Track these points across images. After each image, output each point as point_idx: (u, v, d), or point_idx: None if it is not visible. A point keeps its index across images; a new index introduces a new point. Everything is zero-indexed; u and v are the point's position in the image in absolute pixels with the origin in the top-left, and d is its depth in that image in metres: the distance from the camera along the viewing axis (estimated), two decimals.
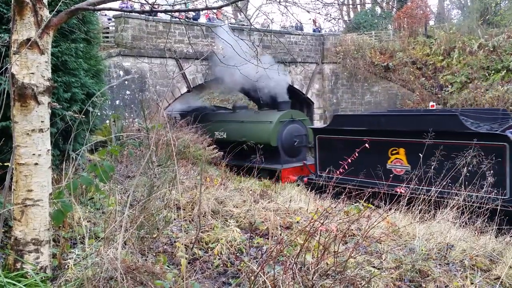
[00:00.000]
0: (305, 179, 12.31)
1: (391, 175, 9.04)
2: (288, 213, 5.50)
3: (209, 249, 3.93)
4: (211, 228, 4.39)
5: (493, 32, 21.52)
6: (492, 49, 20.49)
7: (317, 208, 5.71)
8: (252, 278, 3.03)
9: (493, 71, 19.96)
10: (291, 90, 21.40)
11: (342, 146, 10.58)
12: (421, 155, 7.18)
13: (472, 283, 3.92)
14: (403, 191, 4.34)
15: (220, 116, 18.03)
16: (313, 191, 8.92)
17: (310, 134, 15.40)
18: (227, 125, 16.50)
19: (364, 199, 5.03)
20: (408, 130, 9.48)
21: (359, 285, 3.41)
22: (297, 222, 5.10)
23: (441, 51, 22.16)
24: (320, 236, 4.35)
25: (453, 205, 6.02)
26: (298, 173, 13.91)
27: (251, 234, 4.46)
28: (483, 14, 23.34)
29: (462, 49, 21.49)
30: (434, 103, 18.25)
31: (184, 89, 18.01)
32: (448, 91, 20.69)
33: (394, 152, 9.96)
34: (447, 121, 9.23)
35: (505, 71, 19.51)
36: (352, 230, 4.96)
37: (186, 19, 17.28)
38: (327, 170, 9.50)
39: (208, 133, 15.61)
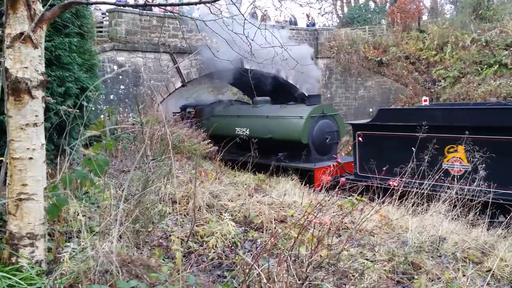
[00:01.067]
0: (342, 179, 11.43)
1: (447, 176, 8.23)
2: (283, 207, 5.54)
3: (204, 243, 3.95)
4: (206, 222, 4.41)
5: (486, 27, 21.62)
6: (484, 44, 20.59)
7: (311, 201, 5.76)
8: (247, 270, 3.06)
9: (485, 66, 20.07)
10: (285, 85, 21.42)
11: (388, 143, 9.81)
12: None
13: (464, 275, 3.97)
14: (396, 184, 4.38)
15: (241, 110, 16.92)
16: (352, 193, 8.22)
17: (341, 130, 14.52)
18: (250, 121, 15.45)
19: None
20: (471, 125, 8.60)
21: (352, 277, 3.45)
22: (291, 215, 5.14)
23: (434, 46, 22.24)
24: (314, 229, 4.38)
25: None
26: (331, 172, 13.09)
27: (246, 228, 4.49)
28: (476, 9, 23.43)
29: (455, 44, 21.58)
30: (427, 98, 18.32)
31: (179, 84, 17.97)
32: (441, 85, 20.79)
33: (451, 150, 9.15)
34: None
35: (497, 65, 19.62)
36: (346, 223, 5.00)
37: (180, 13, 17.21)
38: (371, 170, 8.81)
39: (228, 129, 15.05)
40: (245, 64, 17.75)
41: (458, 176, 8.21)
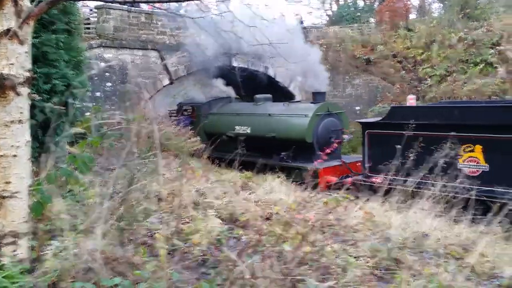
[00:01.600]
0: (349, 179, 11.14)
1: (463, 176, 8.05)
2: (269, 204, 5.58)
3: (189, 240, 3.97)
4: (191, 220, 4.43)
5: (473, 26, 21.87)
6: (471, 43, 20.83)
7: (296, 199, 5.82)
8: (231, 267, 3.09)
9: (471, 64, 20.31)
10: (273, 83, 21.47)
11: (400, 142, 9.49)
12: None
13: (446, 271, 4.05)
14: (379, 181, 4.45)
15: (241, 108, 16.44)
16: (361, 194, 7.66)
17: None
18: (251, 119, 15.03)
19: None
20: (490, 124, 8.42)
21: (335, 273, 3.51)
22: (277, 213, 5.18)
23: (421, 44, 22.45)
24: (298, 225, 4.43)
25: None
26: (337, 173, 12.50)
27: (231, 225, 4.53)
28: (463, 7, 23.68)
29: (442, 43, 21.80)
30: (414, 96, 18.42)
31: (166, 81, 17.93)
32: (427, 84, 21.01)
33: (468, 149, 8.82)
34: None
35: (483, 64, 19.88)
36: (331, 220, 5.05)
37: (168, 11, 17.16)
38: (382, 170, 8.54)
39: (227, 127, 14.87)
40: (233, 61, 17.76)
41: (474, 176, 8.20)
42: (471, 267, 4.23)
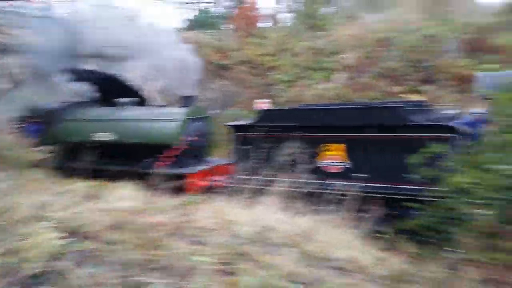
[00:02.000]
0: (220, 183, 11.24)
1: (325, 173, 8.99)
2: (119, 212, 5.40)
3: (23, 258, 3.63)
4: (28, 235, 4.06)
5: (318, 36, 24.11)
6: (316, 51, 22.92)
7: (150, 205, 5.76)
8: (71, 279, 2.94)
9: (316, 71, 22.37)
10: (128, 86, 20.77)
11: (269, 144, 9.82)
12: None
13: (288, 259, 4.40)
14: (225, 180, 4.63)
15: (103, 113, 15.04)
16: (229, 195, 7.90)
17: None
18: (115, 124, 13.94)
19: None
20: (347, 124, 9.20)
21: (184, 274, 3.56)
22: (128, 220, 5.04)
23: (272, 52, 23.98)
24: (148, 230, 4.40)
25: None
26: (207, 177, 12.24)
27: (75, 237, 4.27)
28: (310, 18, 25.91)
29: (290, 50, 23.57)
30: (268, 100, 19.45)
31: (6, 85, 16.14)
32: (278, 89, 22.53)
33: (329, 148, 9.47)
34: (391, 114, 8.91)
35: (325, 71, 22.05)
36: (187, 222, 5.11)
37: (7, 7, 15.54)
38: (251, 171, 8.89)
39: (86, 134, 13.68)
40: (84, 63, 16.77)
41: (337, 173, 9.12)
42: (309, 253, 4.67)
